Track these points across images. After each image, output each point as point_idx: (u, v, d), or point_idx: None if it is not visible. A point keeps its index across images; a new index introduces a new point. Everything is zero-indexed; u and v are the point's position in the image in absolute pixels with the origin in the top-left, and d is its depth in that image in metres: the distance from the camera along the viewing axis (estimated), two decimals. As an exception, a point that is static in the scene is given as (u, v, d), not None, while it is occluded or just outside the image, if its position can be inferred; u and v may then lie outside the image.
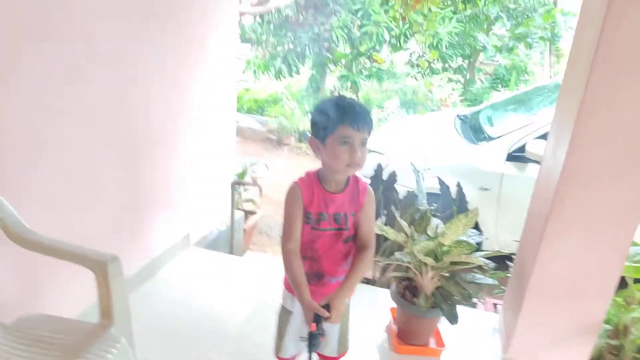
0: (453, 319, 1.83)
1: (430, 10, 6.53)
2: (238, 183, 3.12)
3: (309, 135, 1.38)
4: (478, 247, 1.96)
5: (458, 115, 4.39)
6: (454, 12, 7.36)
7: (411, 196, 2.73)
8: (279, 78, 7.66)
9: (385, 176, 2.90)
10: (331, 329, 1.50)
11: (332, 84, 8.02)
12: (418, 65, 8.10)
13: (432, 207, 2.34)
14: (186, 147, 2.60)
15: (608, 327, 1.96)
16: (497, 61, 9.25)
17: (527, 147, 3.21)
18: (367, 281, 2.81)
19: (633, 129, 1.57)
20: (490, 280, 1.99)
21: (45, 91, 1.64)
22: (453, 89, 8.28)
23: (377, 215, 2.85)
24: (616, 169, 1.62)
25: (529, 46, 7.63)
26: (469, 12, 7.44)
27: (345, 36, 7.07)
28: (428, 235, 2.07)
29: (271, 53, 7.53)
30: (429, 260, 1.87)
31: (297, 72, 7.69)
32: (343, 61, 7.69)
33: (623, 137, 1.58)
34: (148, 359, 1.78)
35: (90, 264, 1.30)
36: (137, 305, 2.18)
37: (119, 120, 2.04)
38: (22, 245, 1.34)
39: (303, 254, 1.41)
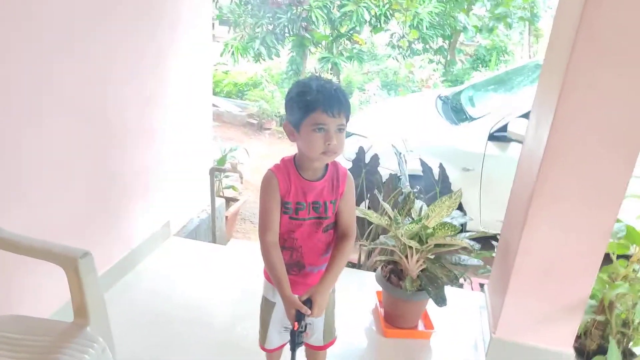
0: (441, 301, 1.82)
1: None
2: (217, 169, 3.05)
3: (284, 120, 1.32)
4: (462, 228, 1.95)
5: (439, 96, 4.36)
6: (434, -9, 7.28)
7: (394, 179, 2.70)
8: (259, 61, 7.52)
9: (367, 159, 2.87)
10: (316, 319, 1.46)
11: (312, 66, 7.91)
12: (399, 47, 8.03)
13: (415, 190, 2.31)
14: (162, 133, 2.52)
15: (593, 302, 1.98)
16: (478, 42, 9.25)
17: (508, 127, 3.20)
18: (353, 265, 2.79)
19: (614, 107, 1.55)
20: (475, 261, 1.98)
21: (13, 78, 1.54)
22: (434, 70, 8.26)
23: (361, 199, 2.83)
24: (598, 147, 1.61)
25: (509, 26, 7.62)
26: (449, -9, 7.37)
27: (325, 17, 6.94)
28: (412, 218, 2.04)
29: (250, 35, 7.36)
30: (414, 244, 1.85)
31: (277, 55, 7.54)
32: (323, 43, 7.57)
33: (605, 115, 1.57)
34: (130, 354, 1.73)
35: (59, 260, 1.23)
36: (118, 298, 2.14)
37: (92, 108, 1.94)
38: (-13, 242, 1.26)
39: (282, 244, 1.36)
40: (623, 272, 1.90)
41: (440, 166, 2.78)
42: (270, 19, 7.17)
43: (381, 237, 2.08)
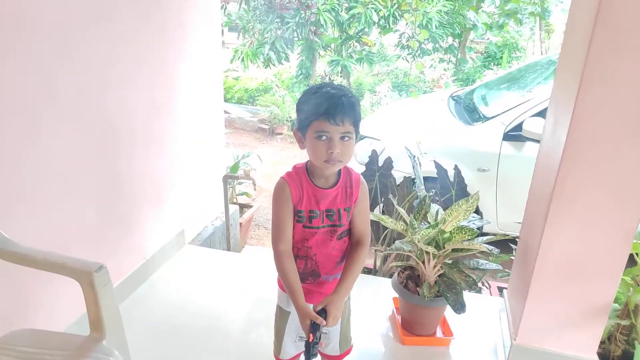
0: (460, 308, 1.78)
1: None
2: (230, 177, 3.04)
3: (294, 126, 1.30)
4: (479, 231, 1.91)
5: (451, 96, 4.31)
6: (443, -10, 7.22)
7: (408, 182, 2.67)
8: (268, 66, 7.53)
9: (380, 162, 2.84)
10: (332, 327, 1.44)
11: (322, 69, 7.90)
12: (408, 47, 7.98)
13: (430, 193, 2.28)
14: (173, 141, 2.51)
15: (617, 306, 1.92)
16: (488, 39, 9.16)
17: (524, 126, 3.14)
18: (369, 271, 2.76)
19: (636, 103, 1.50)
20: (494, 265, 1.94)
21: (20, 87, 1.54)
22: (445, 69, 8.19)
23: (375, 204, 2.80)
24: (619, 145, 1.55)
25: (519, 22, 7.52)
26: (457, -11, 7.30)
27: (333, 19, 6.93)
28: (428, 222, 2.01)
29: (259, 40, 7.38)
30: (431, 249, 1.82)
31: (287, 59, 7.56)
32: (332, 45, 7.56)
33: (626, 111, 1.51)
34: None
35: (74, 274, 1.22)
36: (133, 309, 2.13)
37: (101, 117, 1.94)
38: (2, 257, 1.26)
39: (296, 253, 1.34)
40: (648, 274, 1.84)
41: (456, 168, 2.74)
42: (279, 23, 7.18)
43: (397, 242, 2.05)
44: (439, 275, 1.94)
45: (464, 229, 1.86)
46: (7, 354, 1.22)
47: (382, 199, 2.79)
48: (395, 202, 2.21)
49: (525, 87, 4.00)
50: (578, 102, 1.53)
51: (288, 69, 8.27)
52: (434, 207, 2.06)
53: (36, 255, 1.27)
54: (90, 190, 1.94)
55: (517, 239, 2.12)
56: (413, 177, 2.69)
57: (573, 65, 1.61)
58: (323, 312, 1.24)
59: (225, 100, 6.22)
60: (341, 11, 7.08)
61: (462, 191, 2.77)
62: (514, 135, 3.29)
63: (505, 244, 2.45)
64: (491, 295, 2.57)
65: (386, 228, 2.65)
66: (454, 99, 4.21)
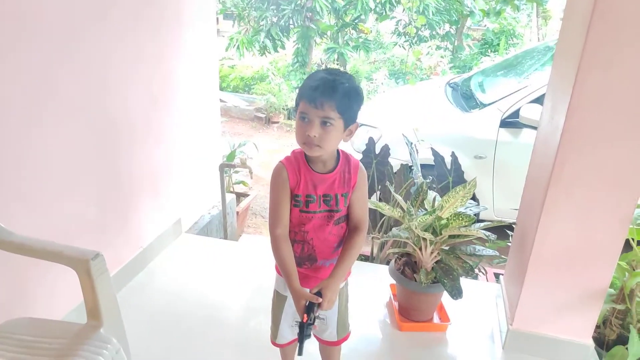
0: (457, 293, 1.79)
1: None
2: (227, 165, 3.03)
3: None
4: (476, 218, 1.91)
5: (448, 83, 4.30)
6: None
7: (405, 169, 2.67)
8: (264, 54, 7.47)
9: (377, 150, 2.83)
10: (329, 313, 1.45)
11: (318, 57, 7.85)
12: (405, 34, 7.93)
13: (427, 180, 2.27)
14: (169, 131, 2.50)
15: (613, 291, 1.94)
16: (485, 26, 9.11)
17: (521, 112, 3.13)
18: (365, 258, 2.77)
19: (634, 88, 1.49)
20: (491, 252, 1.95)
21: (17, 83, 1.53)
22: (442, 57, 8.15)
23: (372, 191, 2.80)
24: (617, 131, 1.55)
25: (517, 9, 7.48)
26: (454, -25, 7.25)
27: (329, 6, 6.87)
28: (425, 209, 2.01)
29: (254, 28, 7.31)
30: (428, 236, 1.82)
31: (282, 47, 7.50)
32: (328, 33, 7.50)
33: (624, 97, 1.51)
34: (145, 354, 1.73)
35: (70, 262, 1.22)
36: (131, 297, 2.14)
37: (99, 108, 1.92)
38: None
39: (293, 237, 1.34)
40: (644, 259, 1.85)
41: (453, 155, 2.74)
42: (275, 11, 7.11)
43: (394, 229, 2.05)
44: (436, 262, 1.95)
45: (461, 216, 1.86)
46: (5, 342, 1.22)
47: (379, 186, 2.79)
48: (392, 190, 2.20)
49: (522, 73, 3.99)
50: (576, 89, 1.53)
51: (284, 56, 8.21)
52: (431, 194, 2.07)
53: (33, 244, 1.26)
54: (88, 180, 1.93)
55: (513, 225, 2.12)
56: (410, 164, 2.68)
57: (571, 51, 1.60)
58: (318, 296, 1.24)
59: (221, 89, 6.18)
60: (337, -3, 7.02)
61: (459, 178, 2.77)
62: (511, 122, 3.28)
63: (501, 231, 2.46)
64: (488, 281, 2.59)
65: (383, 216, 2.66)
66: (451, 86, 4.19)
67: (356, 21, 7.39)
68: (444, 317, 2.05)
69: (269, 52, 7.44)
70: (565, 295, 1.78)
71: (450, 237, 1.89)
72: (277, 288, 1.47)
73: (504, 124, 3.32)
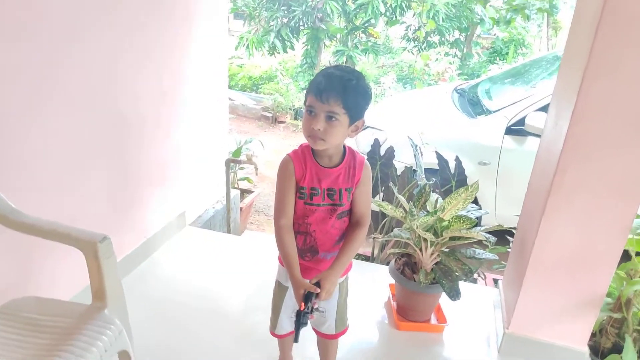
0: (455, 295, 1.81)
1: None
2: (233, 161, 3.06)
3: None
4: (478, 221, 1.93)
5: (456, 89, 4.32)
6: (451, -17, 7.19)
7: (409, 171, 2.69)
8: (273, 54, 7.52)
9: (382, 152, 2.86)
10: (328, 306, 1.47)
11: (327, 59, 7.89)
12: (414, 39, 7.96)
13: (430, 182, 2.30)
14: (178, 125, 2.54)
15: (610, 300, 1.95)
16: (495, 34, 9.12)
17: (526, 120, 3.15)
18: (366, 258, 2.79)
19: (638, 97, 1.51)
20: (490, 255, 1.97)
21: (30, 71, 1.56)
22: (450, 63, 8.17)
23: (376, 192, 2.82)
24: (620, 140, 1.57)
25: (527, 18, 7.49)
26: (466, -18, 7.28)
27: (340, 9, 6.90)
28: (427, 210, 2.03)
29: (265, 28, 7.36)
30: (429, 236, 1.84)
31: (292, 48, 7.54)
32: (338, 36, 7.54)
33: (628, 106, 1.53)
34: (145, 341, 1.75)
35: (79, 244, 1.25)
36: (133, 286, 2.16)
37: (109, 99, 1.97)
38: (9, 226, 1.29)
39: (296, 229, 1.37)
40: (642, 268, 1.86)
41: (457, 159, 2.75)
42: (285, 12, 7.16)
43: (395, 229, 2.07)
44: (436, 263, 1.97)
45: (462, 218, 1.88)
46: (11, 319, 1.25)
47: (383, 187, 2.81)
48: (395, 190, 2.23)
49: (530, 82, 4.01)
50: (580, 96, 1.55)
51: (293, 57, 8.25)
52: (434, 196, 2.09)
53: (43, 224, 1.30)
54: (97, 169, 1.97)
55: (514, 231, 2.14)
56: (414, 167, 2.71)
57: (577, 58, 1.62)
58: (317, 286, 1.27)
59: (229, 87, 6.22)
60: (348, 1, 7.05)
61: (462, 183, 2.79)
62: (516, 129, 3.30)
63: (502, 238, 2.48)
64: (486, 285, 2.61)
65: (385, 216, 2.68)
66: (458, 92, 4.21)
67: (366, 25, 7.43)
68: (441, 318, 2.07)
69: (278, 53, 7.49)
70: (562, 301, 1.80)
71: (451, 239, 1.91)
72: (279, 279, 1.50)
73: (510, 131, 3.33)
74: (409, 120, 3.89)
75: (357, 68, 7.78)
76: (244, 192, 3.67)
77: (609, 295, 1.97)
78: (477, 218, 1.95)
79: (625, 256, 1.93)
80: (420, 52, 8.03)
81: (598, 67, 1.50)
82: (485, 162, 3.36)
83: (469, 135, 3.48)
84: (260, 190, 4.24)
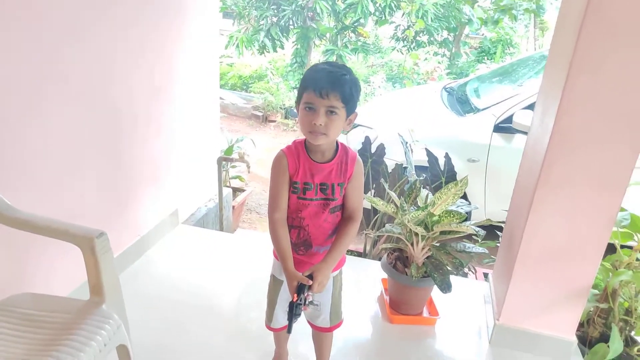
0: (446, 287, 1.85)
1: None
2: (225, 159, 3.07)
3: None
4: (468, 216, 1.97)
5: (445, 88, 4.37)
6: (439, -17, 7.26)
7: (399, 168, 2.73)
8: (263, 53, 7.52)
9: (373, 149, 2.89)
10: (323, 300, 1.50)
11: (317, 58, 7.91)
12: (403, 39, 8.02)
13: (421, 178, 2.33)
14: (170, 124, 2.54)
15: (596, 291, 2.00)
16: (483, 34, 9.22)
17: (514, 118, 3.21)
18: (358, 254, 2.83)
19: (621, 93, 1.56)
20: (480, 249, 2.01)
21: (24, 70, 1.57)
22: (439, 62, 8.25)
23: (367, 189, 2.85)
24: (603, 135, 1.62)
25: (514, 18, 7.59)
26: (454, -17, 7.35)
27: (329, 8, 6.93)
28: (418, 205, 2.07)
29: (254, 27, 7.37)
30: (420, 230, 1.88)
31: (281, 47, 7.55)
32: (328, 35, 7.57)
33: (610, 102, 1.57)
34: (141, 340, 1.76)
35: (76, 240, 1.26)
36: (127, 284, 2.16)
37: (101, 98, 1.97)
38: (5, 222, 1.30)
39: (290, 222, 1.40)
40: (626, 260, 1.92)
41: (446, 156, 2.80)
42: (275, 11, 7.17)
43: (387, 225, 2.11)
44: (427, 257, 2.01)
45: (452, 213, 1.92)
46: (8, 315, 1.26)
47: (374, 184, 2.85)
48: (386, 186, 2.26)
49: (517, 80, 4.07)
50: (565, 92, 1.59)
51: (283, 57, 8.27)
52: (424, 192, 2.12)
53: (39, 221, 1.31)
54: (90, 167, 1.97)
55: (502, 225, 2.19)
56: (404, 164, 2.74)
57: (562, 57, 1.67)
58: (310, 278, 1.29)
59: (219, 87, 6.22)
60: (337, 0, 7.09)
61: (452, 179, 2.83)
62: (504, 127, 3.36)
63: (492, 233, 2.52)
64: (477, 279, 2.65)
65: (377, 213, 2.72)
66: (447, 91, 4.27)
67: (355, 24, 7.47)
68: (433, 312, 2.11)
69: (268, 52, 7.50)
70: (550, 292, 1.85)
71: (442, 233, 1.95)
72: (274, 272, 1.52)
73: (498, 129, 3.39)
74: (399, 118, 3.93)
75: (347, 67, 7.81)
76: (236, 191, 3.68)
77: (595, 286, 2.03)
78: (467, 213, 1.99)
79: (611, 249, 1.99)
80: (409, 51, 8.09)
81: (582, 65, 1.55)
82: (474, 159, 3.42)
83: (458, 133, 3.53)
84: (252, 188, 4.25)
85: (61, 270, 1.81)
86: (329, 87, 1.22)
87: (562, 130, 1.64)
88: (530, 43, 9.48)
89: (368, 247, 2.79)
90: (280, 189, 1.35)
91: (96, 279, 1.28)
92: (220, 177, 2.98)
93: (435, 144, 3.35)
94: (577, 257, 1.78)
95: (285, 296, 1.49)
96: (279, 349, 1.72)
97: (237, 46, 7.33)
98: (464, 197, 3.27)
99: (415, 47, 8.10)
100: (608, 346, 1.83)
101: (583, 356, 1.95)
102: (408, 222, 1.87)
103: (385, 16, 7.19)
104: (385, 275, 2.18)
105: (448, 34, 8.24)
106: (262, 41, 7.23)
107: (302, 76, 1.32)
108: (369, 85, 7.34)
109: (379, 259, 2.41)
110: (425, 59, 8.41)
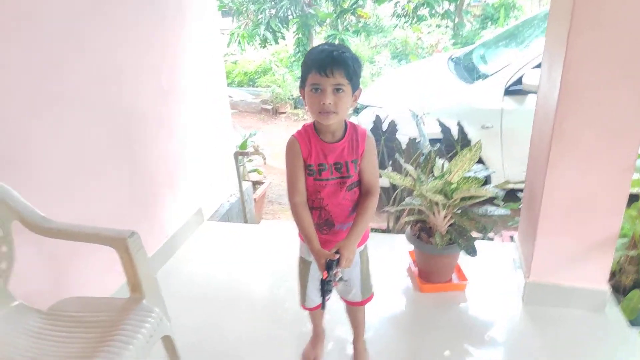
0: (471, 251, 1.87)
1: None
2: (241, 153, 3.13)
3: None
4: (486, 181, 1.98)
5: (450, 58, 4.33)
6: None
7: (413, 143, 2.73)
8: (265, 46, 7.55)
9: (384, 127, 2.90)
10: (352, 275, 1.54)
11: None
12: (405, 15, 7.94)
13: (435, 148, 2.34)
14: (182, 125, 2.59)
15: (625, 240, 2.00)
16: (485, 1, 9.05)
17: (523, 80, 3.17)
18: (382, 231, 2.86)
19: (624, 39, 1.54)
20: (502, 211, 2.01)
21: (37, 81, 1.62)
22: (442, 34, 8.14)
23: (383, 167, 2.87)
24: (612, 81, 1.60)
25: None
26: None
27: (327, -7, 6.91)
28: (434, 175, 2.08)
29: (254, 22, 7.38)
30: (439, 198, 1.89)
31: (283, 38, 7.57)
32: (328, 21, 7.54)
33: (616, 47, 1.56)
34: (182, 335, 1.82)
35: (110, 242, 1.32)
36: (162, 284, 2.21)
37: (114, 107, 2.01)
38: (41, 233, 1.36)
39: (311, 205, 1.43)
40: (651, 204, 1.91)
41: (459, 124, 2.79)
42: (273, 2, 7.16)
43: (407, 198, 2.13)
44: (450, 225, 2.02)
45: (470, 179, 1.93)
46: (58, 318, 1.33)
47: (390, 161, 2.86)
48: (402, 161, 2.28)
49: (523, 42, 4.01)
50: (570, 44, 1.58)
51: (285, 48, 8.27)
52: (440, 161, 2.14)
53: (73, 228, 1.37)
54: (111, 177, 2.03)
55: (522, 186, 2.18)
56: (418, 139, 2.75)
57: (563, 8, 1.65)
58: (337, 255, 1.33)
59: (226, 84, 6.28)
60: (334, -16, 7.05)
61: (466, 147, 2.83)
62: (515, 90, 3.32)
63: (513, 197, 2.52)
64: (503, 242, 2.66)
65: (395, 189, 2.74)
66: (453, 61, 4.23)
67: (354, 6, 7.42)
68: (462, 278, 2.13)
69: (270, 44, 7.52)
70: (577, 245, 1.85)
71: (462, 200, 1.96)
72: (302, 254, 1.57)
73: (508, 92, 3.36)
74: (407, 94, 3.92)
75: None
76: (255, 184, 3.74)
77: (623, 235, 2.02)
78: (485, 178, 1.99)
79: (636, 198, 1.98)
80: (411, 25, 8.01)
81: (583, 15, 1.54)
82: (488, 126, 3.40)
83: (468, 101, 3.51)
84: (271, 180, 4.30)
85: (103, 274, 1.88)
86: (333, 65, 1.24)
87: (570, 82, 1.63)
88: (535, 4, 9.27)
89: (391, 224, 2.82)
90: (296, 172, 1.39)
91: (134, 277, 1.34)
92: (239, 170, 3.04)
93: (447, 114, 3.33)
94: (600, 207, 1.78)
95: (315, 275, 1.53)
96: (316, 327, 1.77)
97: (239, 42, 7.37)
98: (481, 163, 3.26)
99: (417, 22, 8.02)
100: (641, 292, 1.84)
101: (618, 304, 1.95)
102: (426, 192, 1.89)
103: (383, -7, 7.13)
104: (411, 248, 2.21)
105: (449, 5, 8.12)
106: (263, 34, 7.25)
107: (304, 57, 1.34)
108: (375, 65, 7.29)
109: (404, 233, 2.44)
110: (429, 32, 8.31)
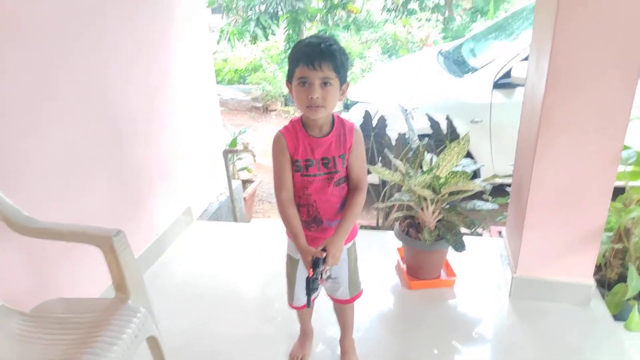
0: (460, 246, 1.87)
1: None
2: (230, 151, 3.11)
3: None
4: (475, 175, 1.98)
5: (440, 52, 4.33)
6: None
7: (402, 138, 2.74)
8: (255, 42, 7.50)
9: (374, 123, 2.89)
10: (340, 272, 1.53)
11: (310, 41, 7.86)
12: (395, 10, 7.93)
13: (423, 142, 2.34)
14: (172, 123, 2.58)
15: (610, 234, 2.01)
16: (475, -7, 9.06)
17: (512, 72, 3.17)
18: (372, 228, 2.86)
19: (611, 27, 1.54)
20: (490, 205, 2.02)
21: (26, 80, 1.60)
22: (433, 28, 8.14)
23: (373, 163, 2.87)
24: (599, 68, 1.60)
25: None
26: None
27: (316, -11, 6.88)
28: (423, 170, 2.08)
29: (243, 18, 7.34)
30: (428, 193, 1.89)
31: (273, 34, 7.52)
32: (318, 16, 7.51)
33: (602, 35, 1.56)
34: (170, 334, 1.82)
35: (95, 241, 1.31)
36: (150, 284, 2.20)
37: (101, 103, 1.99)
38: (26, 233, 1.35)
39: (298, 201, 1.42)
40: (636, 197, 1.92)
41: (448, 118, 2.79)
42: (261, -2, 7.13)
43: (396, 194, 2.13)
44: (439, 220, 2.03)
45: (458, 174, 1.93)
46: (42, 320, 1.32)
47: (380, 157, 2.86)
48: (391, 157, 2.28)
49: (512, 34, 4.02)
50: (556, 32, 1.58)
51: (275, 44, 8.23)
52: (428, 156, 2.14)
53: (58, 227, 1.36)
54: (99, 176, 2.01)
55: (510, 179, 2.19)
56: (407, 135, 2.75)
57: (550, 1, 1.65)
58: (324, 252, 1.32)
59: (216, 83, 6.24)
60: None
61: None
62: (504, 83, 3.33)
63: (502, 191, 2.53)
64: (491, 237, 2.67)
65: (385, 185, 2.74)
66: (442, 55, 4.23)
67: (344, 2, 7.40)
68: (450, 274, 2.14)
69: (261, 41, 7.47)
70: (563, 238, 1.86)
71: (450, 195, 1.96)
72: (290, 252, 1.56)
73: (497, 85, 3.36)
74: (397, 89, 3.91)
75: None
76: (245, 182, 3.73)
77: (609, 229, 2.04)
78: (473, 172, 2.00)
79: (622, 191, 1.99)
80: (400, 19, 8.01)
81: (569, 4, 1.53)
82: (477, 120, 3.40)
83: (457, 95, 3.51)
84: (261, 178, 4.29)
85: (89, 275, 1.86)
86: (321, 58, 1.23)
87: (557, 71, 1.63)
88: (525, -4, 9.28)
89: (380, 221, 2.82)
90: (283, 168, 1.38)
91: (119, 276, 1.33)
92: (228, 168, 3.02)
93: (436, 109, 3.33)
94: (585, 199, 1.78)
95: (303, 274, 1.52)
96: (304, 326, 1.77)
97: (229, 39, 7.32)
98: (470, 158, 3.27)
99: (407, 16, 8.01)
100: (627, 285, 1.85)
101: (603, 298, 1.97)
102: (415, 186, 1.89)
103: (372, -11, 7.11)
104: (400, 244, 2.21)
105: (439, -1, 8.13)
106: (253, 31, 7.21)
107: (291, 50, 1.33)
108: (365, 60, 7.28)
109: (393, 229, 2.44)
110: (419, 27, 8.31)
